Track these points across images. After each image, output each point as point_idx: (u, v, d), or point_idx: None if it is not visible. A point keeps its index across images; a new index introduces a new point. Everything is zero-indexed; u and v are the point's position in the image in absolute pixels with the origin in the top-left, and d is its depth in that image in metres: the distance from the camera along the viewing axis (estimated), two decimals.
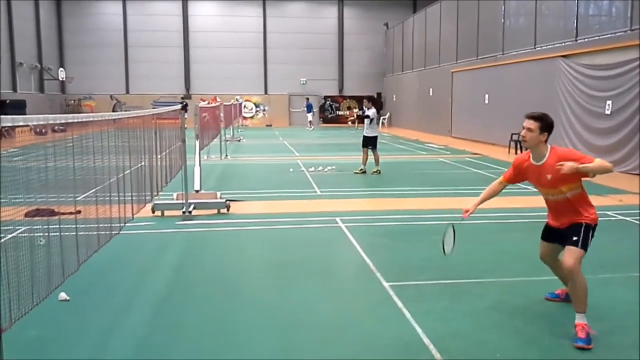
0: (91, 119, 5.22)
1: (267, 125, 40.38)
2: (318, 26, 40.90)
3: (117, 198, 6.03)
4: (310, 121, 36.80)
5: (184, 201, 8.99)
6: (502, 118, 21.34)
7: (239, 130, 32.54)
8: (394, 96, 38.57)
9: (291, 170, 15.05)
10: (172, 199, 9.55)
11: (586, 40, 16.90)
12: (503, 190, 5.06)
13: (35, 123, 3.96)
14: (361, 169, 14.47)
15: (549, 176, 4.54)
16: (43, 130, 14.56)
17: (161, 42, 39.30)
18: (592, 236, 4.56)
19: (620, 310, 5.10)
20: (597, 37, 16.45)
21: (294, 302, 5.38)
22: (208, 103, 18.62)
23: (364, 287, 5.85)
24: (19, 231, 5.20)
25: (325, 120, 41.17)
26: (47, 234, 4.86)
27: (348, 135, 29.53)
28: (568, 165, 4.35)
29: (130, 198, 6.53)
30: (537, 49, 19.65)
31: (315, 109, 39.46)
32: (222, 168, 15.82)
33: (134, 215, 6.72)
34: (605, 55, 15.69)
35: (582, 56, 16.90)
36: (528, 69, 20.10)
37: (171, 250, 7.29)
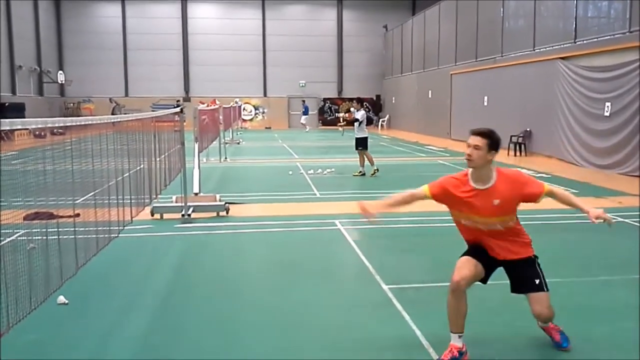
0: (90, 122, 5.21)
1: (266, 128, 40.42)
2: (317, 28, 40.94)
3: (116, 201, 6.02)
4: (302, 123, 36.63)
5: (183, 204, 8.98)
6: (501, 120, 21.33)
7: (238, 132, 32.53)
8: (393, 98, 38.59)
9: (290, 172, 15.06)
10: (172, 202, 9.54)
11: (585, 42, 16.93)
12: None
13: (34, 126, 3.95)
14: (360, 172, 14.47)
15: (496, 201, 3.94)
16: (42, 133, 14.56)
17: (160, 44, 39.34)
18: None
19: (620, 312, 5.09)
20: (596, 39, 16.47)
21: (294, 303, 5.38)
22: (207, 105, 18.64)
23: (363, 289, 5.84)
24: (17, 234, 5.19)
25: (325, 123, 41.19)
26: (45, 237, 4.84)
27: (346, 137, 29.50)
28: (605, 215, 3.91)
29: (129, 201, 6.53)
30: (536, 50, 19.67)
31: (313, 112, 39.41)
32: (221, 171, 15.81)
33: (133, 218, 6.71)
34: (604, 57, 15.71)
35: (581, 58, 16.92)
36: (527, 70, 20.12)
37: (170, 253, 7.28)
